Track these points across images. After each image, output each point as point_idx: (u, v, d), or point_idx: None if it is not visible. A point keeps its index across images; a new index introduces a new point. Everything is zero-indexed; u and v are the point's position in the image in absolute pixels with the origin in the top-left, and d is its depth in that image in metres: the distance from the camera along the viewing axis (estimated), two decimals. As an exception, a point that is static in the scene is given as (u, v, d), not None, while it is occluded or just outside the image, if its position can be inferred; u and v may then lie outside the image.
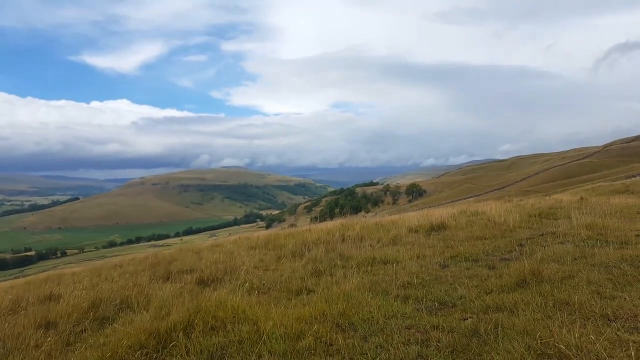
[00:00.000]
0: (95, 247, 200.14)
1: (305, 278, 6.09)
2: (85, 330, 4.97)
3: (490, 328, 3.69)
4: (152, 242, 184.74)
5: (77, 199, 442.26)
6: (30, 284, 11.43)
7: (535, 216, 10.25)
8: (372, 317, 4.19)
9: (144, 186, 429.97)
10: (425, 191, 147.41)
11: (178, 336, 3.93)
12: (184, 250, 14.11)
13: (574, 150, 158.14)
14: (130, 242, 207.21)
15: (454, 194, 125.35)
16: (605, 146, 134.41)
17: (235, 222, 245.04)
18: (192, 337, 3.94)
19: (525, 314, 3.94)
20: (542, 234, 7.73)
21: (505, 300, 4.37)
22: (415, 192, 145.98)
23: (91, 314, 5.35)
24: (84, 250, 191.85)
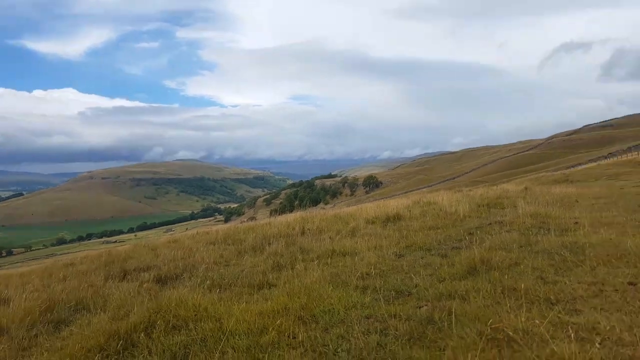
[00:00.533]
0: (44, 245, 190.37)
1: (267, 272, 6.15)
2: (40, 334, 4.80)
3: (444, 315, 3.89)
4: (105, 239, 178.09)
5: (20, 194, 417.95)
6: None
7: (483, 206, 10.78)
8: (333, 308, 4.32)
9: (93, 180, 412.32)
10: (381, 183, 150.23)
11: (139, 337, 3.89)
12: (139, 247, 13.72)
13: (520, 142, 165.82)
14: (81, 238, 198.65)
15: (409, 184, 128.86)
16: (548, 139, 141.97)
17: (192, 217, 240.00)
18: (154, 337, 3.92)
19: (476, 301, 4.18)
20: (490, 223, 8.16)
21: (457, 287, 4.61)
22: (372, 183, 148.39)
23: (45, 317, 5.17)
24: (32, 248, 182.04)
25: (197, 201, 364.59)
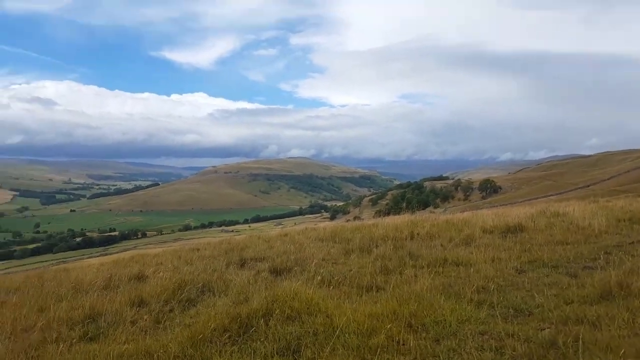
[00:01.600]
0: (172, 230, 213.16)
1: (374, 275, 6.16)
2: (172, 310, 5.41)
3: (570, 341, 3.55)
4: (223, 227, 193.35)
5: (157, 184, 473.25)
6: (117, 263, 12.52)
7: (625, 221, 9.50)
8: (445, 319, 4.19)
9: (217, 174, 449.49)
10: (500, 187, 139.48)
11: (258, 323, 4.20)
12: (254, 238, 14.71)
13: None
14: (203, 226, 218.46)
15: (532, 191, 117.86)
16: None
17: (300, 212, 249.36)
18: (271, 324, 4.19)
19: (609, 329, 3.75)
20: (633, 242, 7.19)
21: (587, 312, 4.17)
22: (489, 188, 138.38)
23: (177, 294, 5.81)
24: (162, 232, 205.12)
25: (306, 197, 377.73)
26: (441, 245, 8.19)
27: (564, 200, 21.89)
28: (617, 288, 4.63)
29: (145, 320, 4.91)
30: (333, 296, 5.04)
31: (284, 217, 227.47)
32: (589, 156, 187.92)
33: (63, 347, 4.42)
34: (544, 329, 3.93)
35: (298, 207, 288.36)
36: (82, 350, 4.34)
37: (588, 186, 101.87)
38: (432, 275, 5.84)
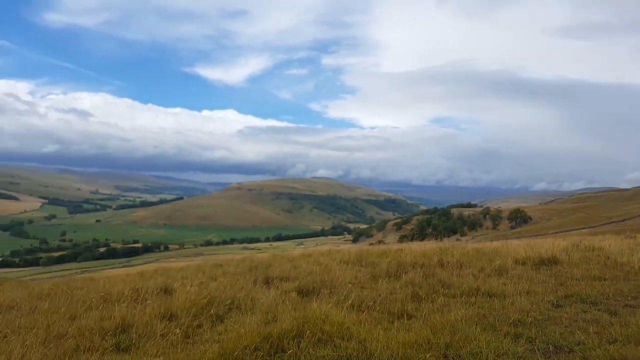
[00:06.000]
0: (194, 245, 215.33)
1: (405, 302, 6.03)
2: (201, 325, 5.43)
3: (617, 383, 3.38)
4: (245, 245, 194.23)
5: (181, 198, 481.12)
6: (143, 275, 12.69)
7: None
8: (481, 352, 4.06)
9: (241, 191, 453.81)
10: (530, 218, 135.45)
11: (289, 344, 4.15)
12: (277, 257, 14.73)
13: None
14: (225, 242, 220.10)
15: (564, 223, 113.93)
16: None
17: (322, 233, 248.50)
18: (302, 346, 4.14)
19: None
20: (675, 282, 6.87)
21: (633, 353, 3.98)
22: (519, 218, 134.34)
23: (206, 310, 5.82)
24: (184, 246, 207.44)
25: (328, 218, 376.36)
26: (472, 274, 7.99)
27: (597, 234, 21.14)
28: (664, 329, 4.41)
29: (177, 334, 4.92)
30: (364, 321, 4.95)
31: (305, 237, 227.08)
32: (625, 190, 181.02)
33: (96, 356, 4.47)
34: (587, 369, 3.76)
35: (320, 228, 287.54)
36: (113, 360, 4.38)
37: (623, 220, 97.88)
38: (465, 305, 5.68)
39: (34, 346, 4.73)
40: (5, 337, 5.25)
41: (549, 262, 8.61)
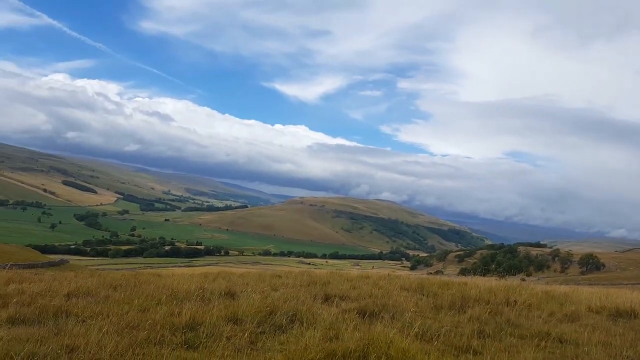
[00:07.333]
0: (252, 253, 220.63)
1: (470, 337, 5.83)
2: (264, 333, 5.57)
3: None
4: (301, 259, 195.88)
5: (245, 206, 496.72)
6: (206, 277, 13.16)
7: None
8: (553, 401, 3.83)
9: (303, 205, 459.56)
10: (603, 265, 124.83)
11: (353, 363, 4.16)
12: (335, 275, 14.69)
13: None
14: (282, 254, 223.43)
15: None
16: None
17: (380, 256, 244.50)
18: (368, 368, 4.13)
19: None
20: None
21: None
22: (590, 263, 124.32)
23: (269, 318, 5.98)
24: (243, 253, 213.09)
25: (388, 242, 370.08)
26: (541, 317, 7.55)
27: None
28: None
29: (243, 339, 5.09)
30: (427, 351, 4.85)
31: (362, 259, 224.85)
32: None
33: (166, 350, 4.72)
34: None
35: (378, 251, 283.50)
36: (182, 356, 4.61)
37: None
38: (535, 349, 5.39)
39: (109, 333, 5.03)
40: (84, 321, 5.66)
41: (626, 314, 7.95)
